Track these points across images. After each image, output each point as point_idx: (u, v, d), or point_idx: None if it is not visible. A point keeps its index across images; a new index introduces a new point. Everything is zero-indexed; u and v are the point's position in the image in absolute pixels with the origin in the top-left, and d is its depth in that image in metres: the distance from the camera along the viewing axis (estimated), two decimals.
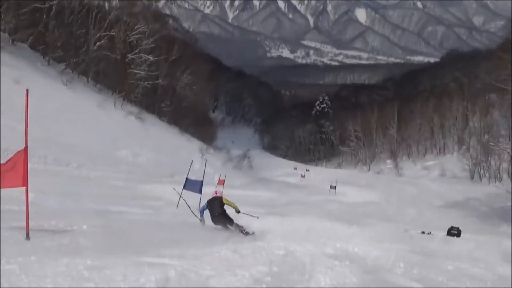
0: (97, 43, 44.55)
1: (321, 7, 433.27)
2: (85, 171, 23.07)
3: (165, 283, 6.04)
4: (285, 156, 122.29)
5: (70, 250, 7.07)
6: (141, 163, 31.25)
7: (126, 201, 15.47)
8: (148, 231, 10.08)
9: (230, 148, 66.84)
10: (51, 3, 39.30)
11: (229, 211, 12.70)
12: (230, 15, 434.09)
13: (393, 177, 70.41)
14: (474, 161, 55.04)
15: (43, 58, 40.58)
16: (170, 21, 78.62)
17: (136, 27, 50.35)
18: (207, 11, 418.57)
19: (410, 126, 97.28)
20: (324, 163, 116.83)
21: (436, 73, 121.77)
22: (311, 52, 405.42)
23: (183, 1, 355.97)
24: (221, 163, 47.68)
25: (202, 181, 17.26)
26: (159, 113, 57.22)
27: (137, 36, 50.93)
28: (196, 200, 16.37)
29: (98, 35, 44.56)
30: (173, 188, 16.26)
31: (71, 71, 42.17)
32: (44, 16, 39.58)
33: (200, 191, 16.59)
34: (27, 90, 6.85)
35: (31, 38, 38.69)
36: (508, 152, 32.04)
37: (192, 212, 13.31)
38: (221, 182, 26.94)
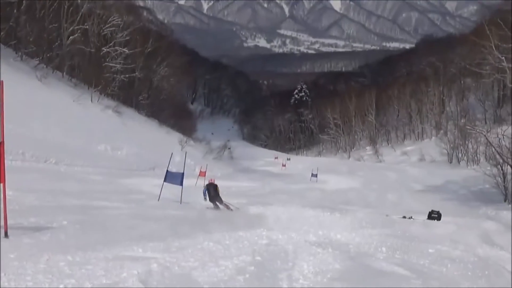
0: (71, 37, 43.86)
1: None
2: (63, 167, 22.76)
3: (148, 277, 5.99)
4: (266, 146, 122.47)
5: (51, 247, 6.96)
6: (120, 157, 30.95)
7: (107, 195, 15.31)
8: (129, 225, 9.99)
9: (210, 139, 66.61)
10: None
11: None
12: (205, 6, 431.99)
13: (373, 164, 70.98)
14: (452, 145, 55.64)
15: (16, 53, 39.79)
16: (144, 13, 78.02)
17: (110, 20, 49.72)
18: (181, 2, 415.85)
19: (388, 112, 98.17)
20: (304, 152, 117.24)
21: (411, 59, 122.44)
22: (288, 41, 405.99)
23: None
24: (201, 155, 47.52)
25: (183, 173, 17.17)
26: (137, 106, 56.73)
27: (111, 29, 50.31)
28: (177, 192, 16.30)
29: (71, 28, 43.87)
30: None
31: (45, 66, 41.47)
32: (15, 10, 38.78)
33: (181, 183, 16.51)
34: (1, 82, 6.60)
35: (2, 33, 37.90)
36: (485, 135, 32.42)
37: None
38: (202, 174, 26.86)
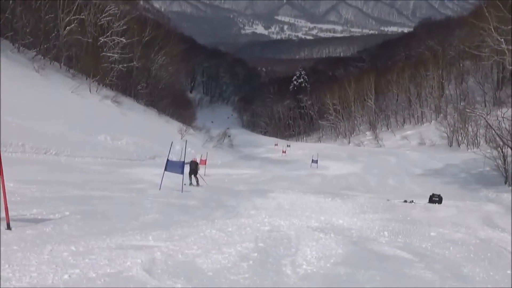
0: (67, 28, 43.59)
1: None
2: (64, 158, 22.79)
3: (152, 265, 6.01)
4: (265, 133, 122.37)
5: (54, 237, 6.98)
6: (120, 147, 30.94)
7: (108, 185, 15.33)
8: (132, 215, 10.01)
9: (209, 127, 66.58)
10: None
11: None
12: None
13: (373, 149, 71.03)
14: (451, 129, 55.61)
15: (13, 45, 39.61)
16: (141, 2, 77.53)
17: (107, 9, 49.41)
18: None
19: (388, 97, 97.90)
20: (304, 138, 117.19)
21: (410, 42, 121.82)
22: (285, 27, 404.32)
23: None
24: (201, 143, 47.52)
25: (184, 161, 17.18)
26: (136, 96, 56.58)
27: (108, 18, 50.01)
28: (178, 181, 16.32)
29: (67, 19, 43.57)
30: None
31: (42, 57, 41.29)
32: (11, 1, 38.51)
33: (182, 172, 16.53)
34: None
35: None
36: (485, 118, 32.41)
37: None
38: (203, 162, 26.90)
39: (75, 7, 44.59)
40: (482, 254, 8.54)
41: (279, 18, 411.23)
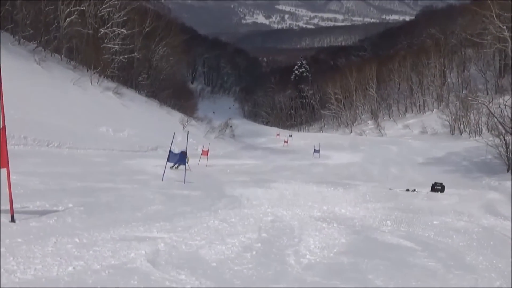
0: (68, 19, 43.41)
1: None
2: (66, 150, 22.81)
3: (156, 256, 6.04)
4: (267, 123, 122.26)
5: (57, 229, 7.00)
6: (122, 138, 30.95)
7: (111, 177, 15.36)
8: (135, 206, 10.03)
9: (211, 118, 66.55)
10: None
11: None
12: None
13: (375, 138, 70.93)
14: (453, 117, 55.46)
15: (13, 37, 39.52)
16: None
17: (107, 0, 49.21)
18: None
19: (389, 85, 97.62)
20: (306, 128, 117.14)
21: (412, 31, 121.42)
22: (286, 16, 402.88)
23: None
24: (203, 134, 47.53)
25: (186, 152, 17.21)
26: (137, 87, 56.48)
27: (108, 9, 49.80)
28: (181, 172, 16.35)
29: (68, 10, 43.39)
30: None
31: (43, 49, 41.17)
32: None
33: (184, 163, 16.57)
34: None
35: None
36: (487, 106, 32.33)
37: None
38: (205, 153, 26.91)
39: None
40: (485, 242, 8.57)
41: (280, 7, 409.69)
